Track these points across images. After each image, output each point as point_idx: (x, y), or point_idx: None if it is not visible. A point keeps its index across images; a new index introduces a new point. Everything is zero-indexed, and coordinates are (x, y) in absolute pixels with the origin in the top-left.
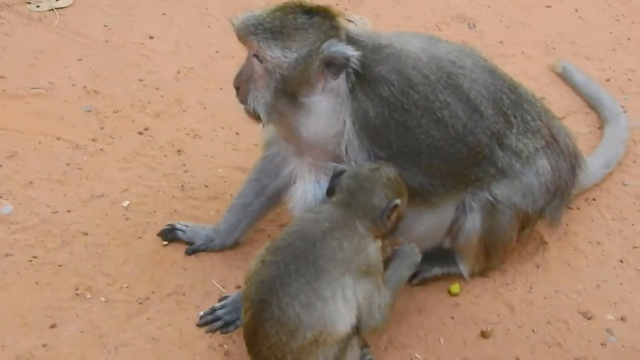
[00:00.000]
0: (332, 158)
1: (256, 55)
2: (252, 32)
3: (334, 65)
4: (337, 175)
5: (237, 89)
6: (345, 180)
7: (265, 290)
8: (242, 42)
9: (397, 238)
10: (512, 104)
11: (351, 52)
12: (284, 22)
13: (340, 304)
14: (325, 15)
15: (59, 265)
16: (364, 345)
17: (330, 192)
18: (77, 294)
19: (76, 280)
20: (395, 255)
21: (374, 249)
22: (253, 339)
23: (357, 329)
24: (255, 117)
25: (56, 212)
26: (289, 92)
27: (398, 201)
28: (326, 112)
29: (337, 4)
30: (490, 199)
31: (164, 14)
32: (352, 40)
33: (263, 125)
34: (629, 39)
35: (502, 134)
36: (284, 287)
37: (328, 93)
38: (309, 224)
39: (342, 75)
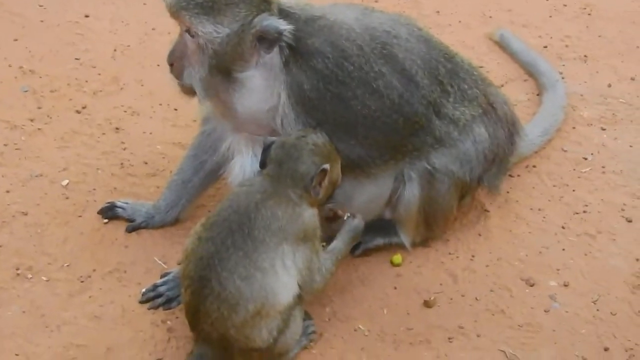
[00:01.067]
0: (269, 132)
1: (188, 31)
2: (183, 7)
3: (266, 40)
4: (267, 147)
5: (172, 65)
6: (274, 151)
7: (204, 267)
8: (174, 18)
9: (342, 206)
10: (448, 73)
11: (283, 26)
12: None
13: (281, 273)
14: None
15: None
16: (307, 317)
17: (262, 164)
18: (18, 274)
19: (16, 261)
20: (342, 226)
21: (310, 215)
22: (195, 317)
23: (299, 299)
24: (191, 93)
25: None
26: (223, 68)
27: (326, 166)
28: (260, 86)
29: None
30: (429, 168)
31: None
32: (284, 14)
33: (199, 101)
34: (565, 5)
35: (438, 103)
36: (222, 262)
37: (262, 67)
38: (241, 197)
39: (276, 50)
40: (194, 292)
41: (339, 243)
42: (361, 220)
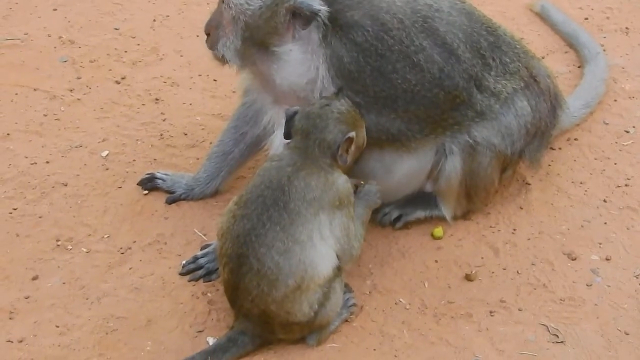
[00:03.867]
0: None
1: (224, 1)
2: None
3: (301, 16)
4: (290, 118)
5: (208, 35)
6: (299, 122)
7: (241, 244)
8: None
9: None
10: (490, 46)
11: (317, 5)
12: None
13: (319, 245)
14: None
15: (39, 217)
16: (347, 290)
17: (287, 135)
18: (58, 245)
19: (56, 232)
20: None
21: (343, 181)
22: (234, 294)
23: (338, 271)
24: (224, 62)
25: (35, 163)
26: (259, 41)
27: (352, 134)
28: (299, 60)
29: None
30: (470, 141)
31: None
32: None
33: (235, 72)
34: None
35: (480, 77)
36: (259, 238)
37: (299, 41)
38: (272, 172)
39: (314, 24)
40: (232, 270)
41: (359, 209)
42: (374, 185)
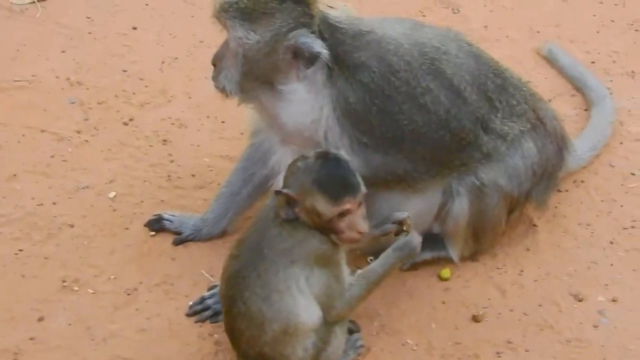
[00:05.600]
0: (315, 146)
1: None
2: (224, 9)
3: (304, 56)
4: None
5: (214, 66)
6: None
7: (231, 286)
8: (217, 19)
9: (386, 228)
10: (497, 89)
11: (319, 48)
12: (256, 4)
13: (298, 296)
14: (297, 0)
15: (45, 258)
16: (355, 329)
17: None
18: (64, 286)
19: (63, 273)
20: (392, 245)
21: (320, 239)
22: (232, 335)
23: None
24: (225, 94)
25: (41, 204)
26: (261, 76)
27: (285, 190)
28: (304, 99)
29: None
30: (477, 182)
31: (146, 4)
32: (331, 27)
33: (237, 105)
34: (612, 20)
35: (486, 119)
36: (245, 281)
37: (304, 81)
38: (264, 213)
39: (319, 64)
40: (227, 312)
41: (378, 265)
42: (416, 237)
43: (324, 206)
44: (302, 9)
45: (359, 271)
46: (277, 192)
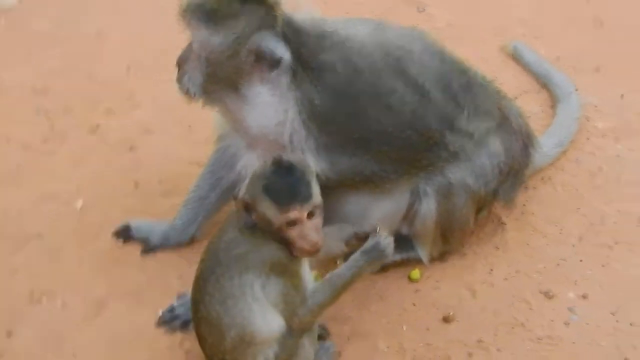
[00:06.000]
0: (282, 149)
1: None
2: (190, 9)
3: (266, 60)
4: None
5: (179, 68)
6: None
7: (195, 290)
8: (182, 20)
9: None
10: (462, 87)
11: (281, 52)
12: (220, 6)
13: (254, 304)
14: (259, 2)
15: (14, 270)
16: (327, 335)
17: None
18: (32, 298)
19: (31, 284)
20: (361, 247)
21: (271, 248)
22: (199, 340)
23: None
24: (189, 97)
25: (8, 214)
26: (224, 79)
27: (247, 198)
28: (268, 103)
29: None
30: (444, 182)
31: (113, 9)
32: (295, 29)
33: (202, 107)
34: (577, 17)
35: (452, 118)
36: (206, 285)
37: (268, 84)
38: (228, 218)
39: (283, 67)
40: (193, 316)
41: (345, 270)
42: (387, 238)
43: (272, 213)
44: (265, 10)
45: (326, 276)
46: (234, 198)
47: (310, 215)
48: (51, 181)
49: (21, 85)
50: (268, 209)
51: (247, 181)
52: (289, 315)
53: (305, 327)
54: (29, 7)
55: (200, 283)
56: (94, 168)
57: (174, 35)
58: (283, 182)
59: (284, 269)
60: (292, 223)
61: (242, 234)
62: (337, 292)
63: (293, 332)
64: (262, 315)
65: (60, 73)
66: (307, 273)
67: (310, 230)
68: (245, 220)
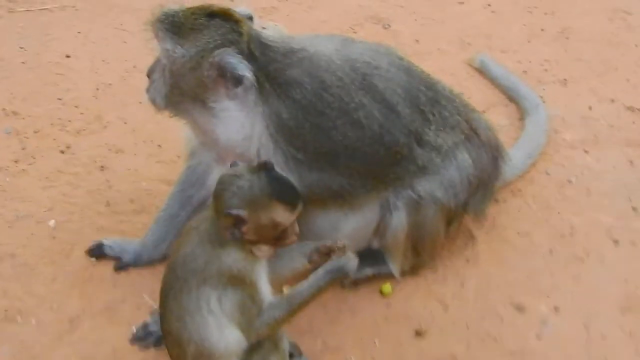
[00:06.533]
0: (249, 162)
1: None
2: (160, 20)
3: (230, 76)
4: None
5: (148, 78)
6: (215, 183)
7: (160, 305)
8: (151, 30)
9: (321, 245)
10: (429, 101)
11: (242, 70)
12: (186, 19)
13: (209, 318)
14: (225, 18)
15: None
16: (297, 354)
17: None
18: (7, 316)
19: (5, 302)
20: (325, 265)
21: (232, 259)
22: (169, 354)
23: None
24: (155, 107)
25: None
26: (189, 92)
27: (241, 212)
28: (235, 117)
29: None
30: (414, 195)
31: (78, 32)
32: (262, 45)
33: (169, 117)
34: (542, 30)
35: (420, 132)
36: (166, 300)
37: (235, 99)
38: (185, 232)
39: (247, 83)
40: (161, 329)
41: (306, 287)
42: (352, 259)
43: (283, 216)
44: (231, 26)
45: (287, 291)
46: (228, 214)
47: None
48: (23, 201)
49: None
50: (279, 213)
51: (228, 197)
52: (245, 327)
53: (262, 339)
54: None
55: (162, 299)
56: (65, 188)
57: (139, 56)
58: (284, 183)
59: (242, 279)
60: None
61: (201, 247)
62: (296, 308)
63: (254, 348)
64: (219, 330)
65: (30, 96)
66: (265, 284)
67: (295, 222)
68: (233, 235)
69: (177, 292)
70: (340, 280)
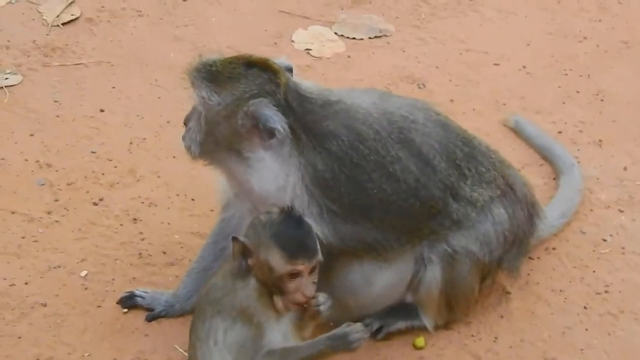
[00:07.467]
0: None
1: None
2: (197, 69)
3: (261, 128)
4: None
5: (185, 125)
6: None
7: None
8: (188, 78)
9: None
10: (466, 156)
11: (276, 123)
12: (224, 68)
13: (213, 349)
14: (263, 68)
15: (18, 337)
16: None
17: None
18: None
19: (36, 351)
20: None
21: (247, 294)
22: None
23: None
24: (190, 155)
25: (13, 284)
26: (224, 141)
27: (242, 238)
28: (269, 167)
29: None
30: (449, 250)
31: (113, 87)
32: (300, 97)
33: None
34: (577, 92)
35: (456, 186)
36: (191, 330)
37: (270, 150)
38: (220, 265)
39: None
40: None
41: (305, 348)
42: (356, 332)
43: (277, 261)
44: (268, 77)
45: (286, 345)
46: (234, 239)
47: (312, 270)
48: (55, 252)
49: (25, 161)
50: (274, 257)
51: (249, 226)
52: None
53: None
54: (31, 85)
55: (190, 327)
56: (98, 239)
57: (173, 111)
58: (293, 232)
59: (250, 318)
60: (295, 275)
61: (224, 278)
62: None
63: None
64: None
65: (63, 149)
66: (275, 334)
67: (307, 284)
68: (239, 264)
69: (195, 319)
70: (346, 350)
